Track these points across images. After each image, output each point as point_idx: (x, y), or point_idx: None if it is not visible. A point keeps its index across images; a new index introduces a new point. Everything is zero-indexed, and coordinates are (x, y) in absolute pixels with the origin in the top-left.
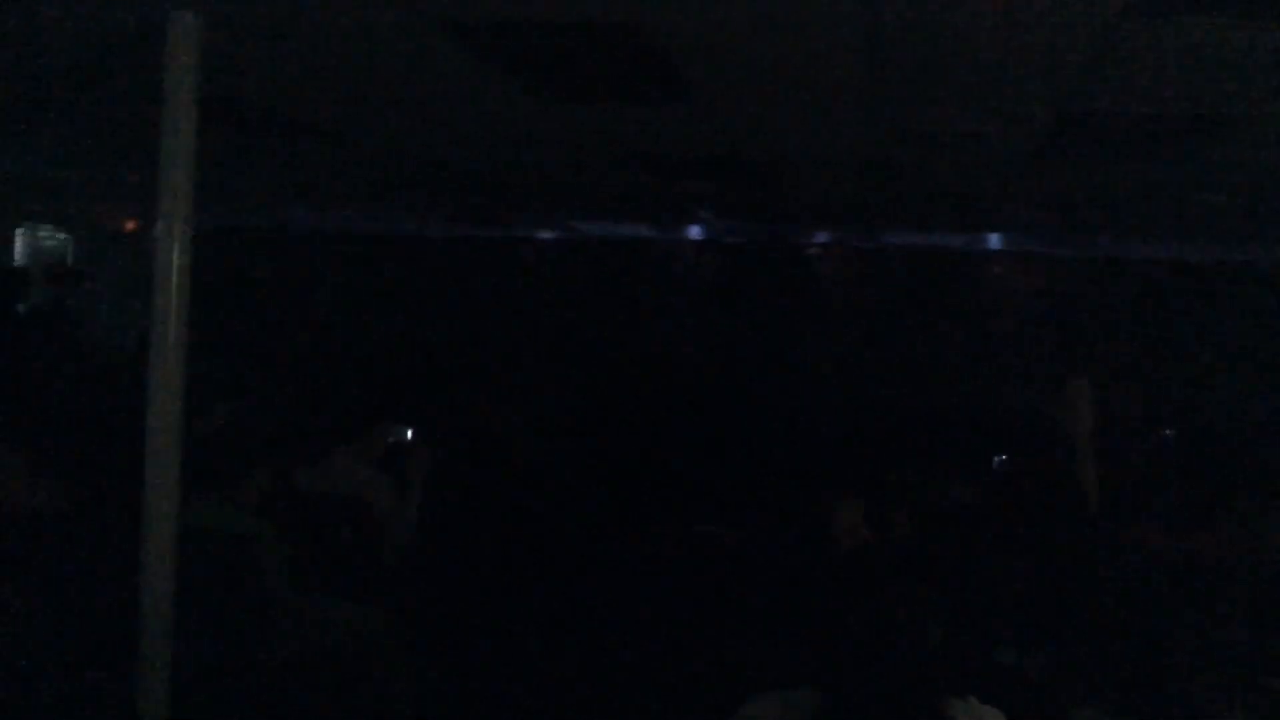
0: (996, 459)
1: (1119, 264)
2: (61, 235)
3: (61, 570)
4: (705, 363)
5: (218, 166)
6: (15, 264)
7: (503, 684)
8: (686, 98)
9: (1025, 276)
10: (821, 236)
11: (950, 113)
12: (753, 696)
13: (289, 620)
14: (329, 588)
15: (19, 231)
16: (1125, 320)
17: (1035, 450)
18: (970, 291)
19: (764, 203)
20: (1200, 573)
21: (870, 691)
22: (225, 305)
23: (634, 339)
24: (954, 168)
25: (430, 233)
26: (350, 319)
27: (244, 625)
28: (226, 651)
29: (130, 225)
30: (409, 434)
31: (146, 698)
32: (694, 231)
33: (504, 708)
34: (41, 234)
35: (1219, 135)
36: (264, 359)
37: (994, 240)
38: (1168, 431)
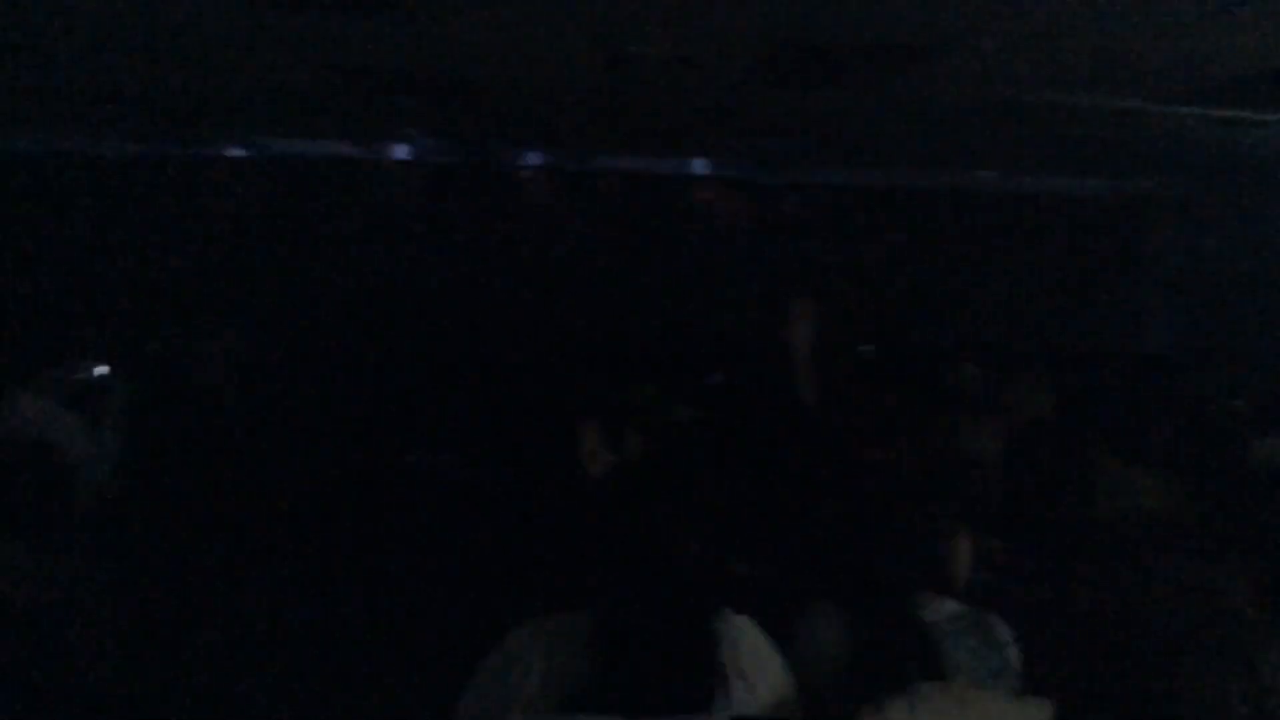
0: (713, 376)
1: (825, 189)
2: None
3: None
4: (414, 287)
5: None
6: None
7: (212, 633)
8: (397, 7)
9: (738, 202)
10: (533, 159)
11: (664, 38)
12: (514, 628)
13: None
14: (13, 536)
15: None
16: (833, 243)
17: (757, 366)
18: (682, 215)
19: (474, 123)
20: (903, 478)
21: (637, 611)
22: None
23: (338, 262)
24: (667, 93)
25: (111, 151)
26: (29, 246)
27: None
28: None
29: None
30: (102, 370)
31: None
32: (399, 151)
33: (213, 658)
34: None
35: (917, 64)
36: None
37: (705, 165)
38: (866, 347)
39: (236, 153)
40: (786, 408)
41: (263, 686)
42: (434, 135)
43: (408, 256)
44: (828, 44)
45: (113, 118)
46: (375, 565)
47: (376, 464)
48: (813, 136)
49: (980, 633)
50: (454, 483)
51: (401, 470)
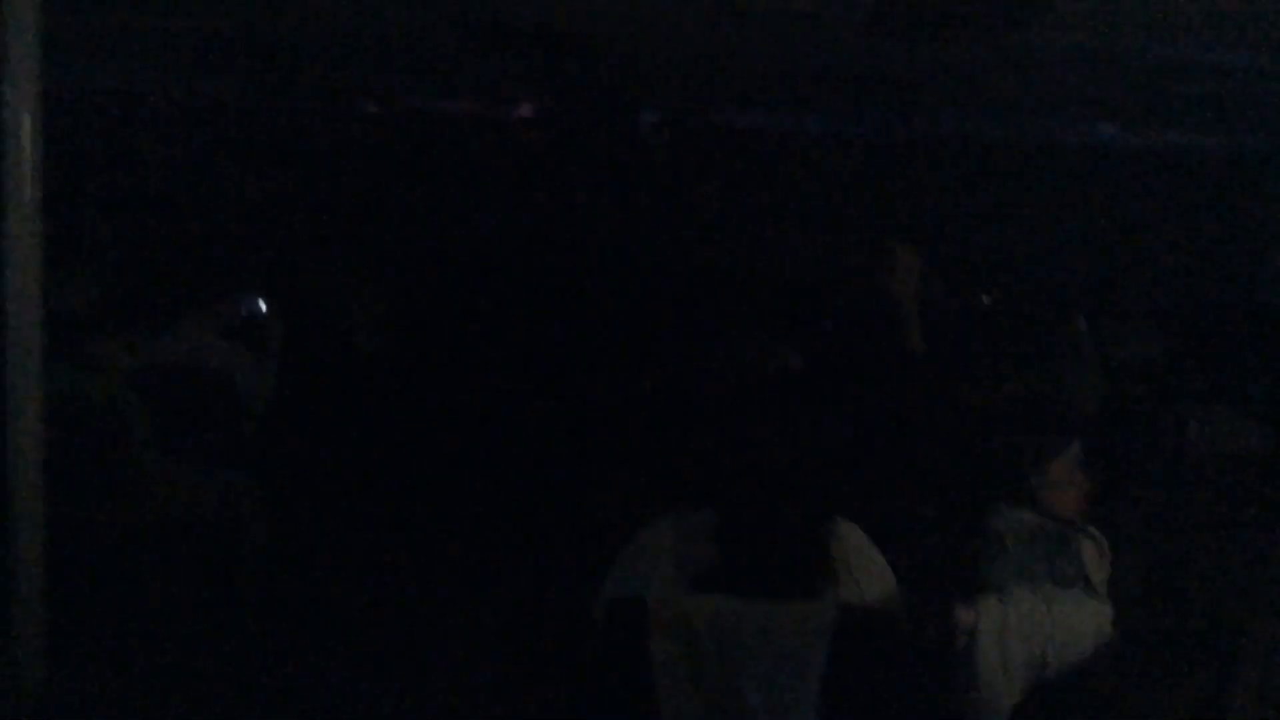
0: (823, 323)
1: (933, 142)
2: None
3: None
4: (543, 237)
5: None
6: None
7: (372, 544)
8: None
9: (848, 155)
10: (651, 115)
11: None
12: (649, 521)
13: (155, 486)
14: (193, 454)
15: None
16: (947, 196)
17: (864, 313)
18: (793, 169)
19: (591, 80)
20: (1010, 418)
21: (760, 510)
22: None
23: (467, 213)
24: (779, 47)
25: (272, 105)
26: (199, 189)
27: (113, 490)
28: (98, 517)
29: None
30: (262, 305)
31: (20, 570)
32: (524, 109)
33: (374, 567)
34: None
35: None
36: (110, 228)
37: (820, 120)
38: (985, 297)
39: (372, 108)
40: (893, 354)
41: (408, 590)
42: (553, 92)
43: (534, 207)
44: None
45: (261, 73)
46: (530, 472)
47: (522, 385)
48: (925, 90)
49: (1060, 544)
50: (601, 401)
51: (553, 392)
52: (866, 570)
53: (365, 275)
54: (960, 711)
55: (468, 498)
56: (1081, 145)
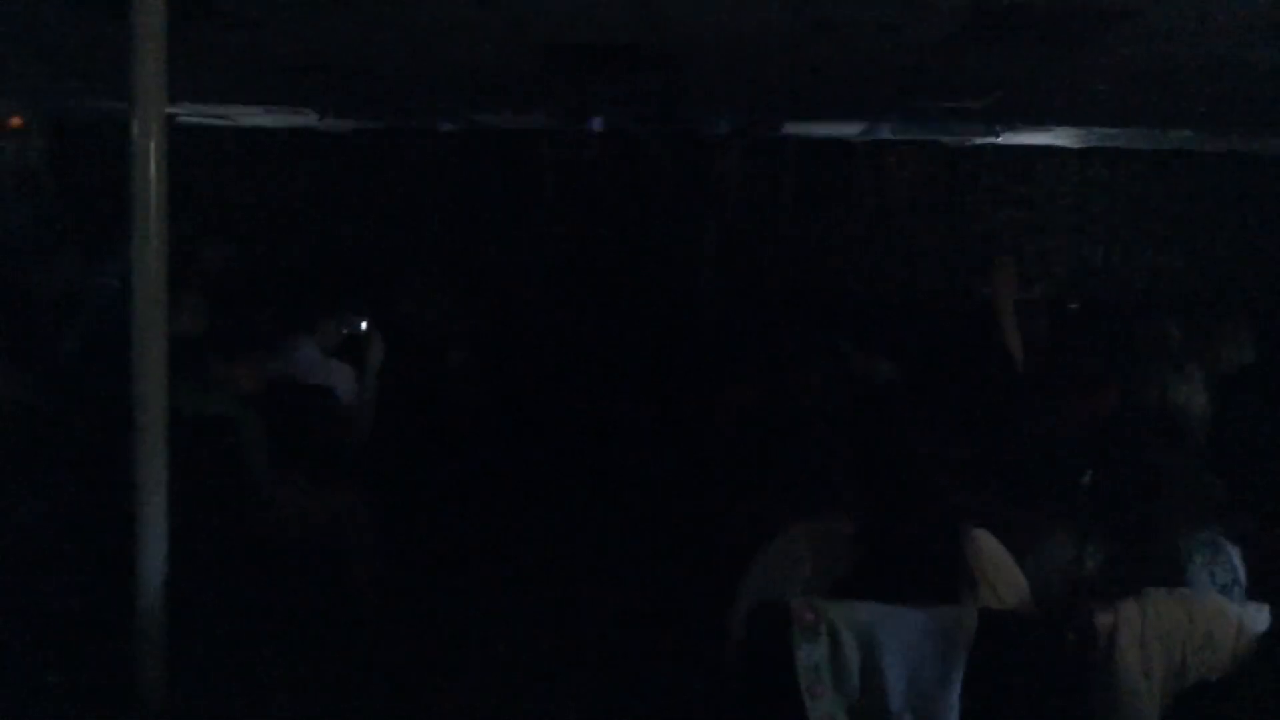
0: (921, 334)
1: (1019, 151)
2: None
3: (55, 464)
4: (622, 252)
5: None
6: None
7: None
8: None
9: (938, 164)
10: (726, 126)
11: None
12: (784, 528)
13: (271, 500)
14: (303, 470)
15: None
16: (1035, 204)
17: (963, 322)
18: (881, 179)
19: (672, 93)
20: (1110, 427)
21: (898, 518)
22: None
23: (545, 231)
24: (865, 58)
25: (329, 126)
26: (286, 214)
27: (232, 505)
28: (217, 531)
29: (15, 122)
30: (363, 324)
31: (145, 579)
32: (596, 123)
33: (481, 578)
34: None
35: (1124, 25)
36: (227, 255)
37: (899, 129)
38: (1072, 305)
39: (447, 126)
40: (992, 361)
41: (515, 601)
42: (632, 106)
43: (610, 222)
44: (1028, 3)
45: (348, 96)
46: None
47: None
48: (1009, 98)
49: (1211, 552)
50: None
51: (659, 402)
52: (1002, 576)
53: (454, 293)
54: (1101, 717)
55: (579, 509)
56: (1163, 150)
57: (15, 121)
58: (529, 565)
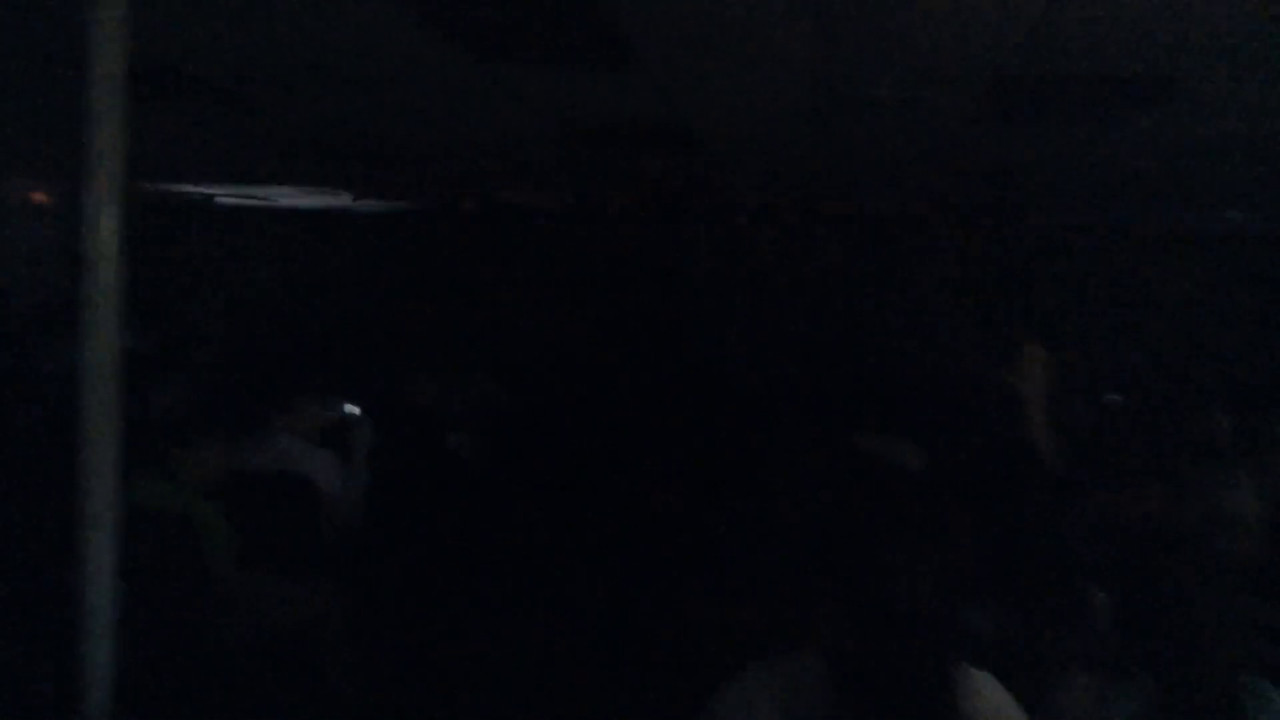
0: (944, 427)
1: (1056, 231)
2: None
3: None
4: (640, 335)
5: (140, 135)
6: None
7: (458, 661)
8: (629, 63)
9: (966, 244)
10: (756, 205)
11: (887, 77)
12: (751, 665)
13: (233, 599)
14: (274, 566)
15: None
16: (1066, 288)
17: (989, 415)
18: (909, 260)
19: (703, 173)
20: (1156, 534)
21: (874, 657)
22: (156, 281)
23: (564, 313)
24: (890, 134)
25: (361, 207)
26: (279, 293)
27: (188, 605)
28: (171, 632)
29: (39, 198)
30: (351, 410)
31: (90, 680)
32: (619, 199)
33: (455, 682)
34: None
35: (1156, 98)
36: (198, 335)
37: (932, 208)
38: (1114, 396)
39: (469, 205)
40: (1021, 459)
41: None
42: (653, 182)
43: (634, 299)
44: (1056, 76)
45: (360, 175)
46: (612, 600)
47: (612, 504)
48: (1038, 175)
49: (1262, 701)
50: (688, 522)
51: (640, 509)
52: None
53: (462, 374)
54: None
55: (563, 617)
56: (1210, 233)
57: (38, 198)
58: (510, 672)
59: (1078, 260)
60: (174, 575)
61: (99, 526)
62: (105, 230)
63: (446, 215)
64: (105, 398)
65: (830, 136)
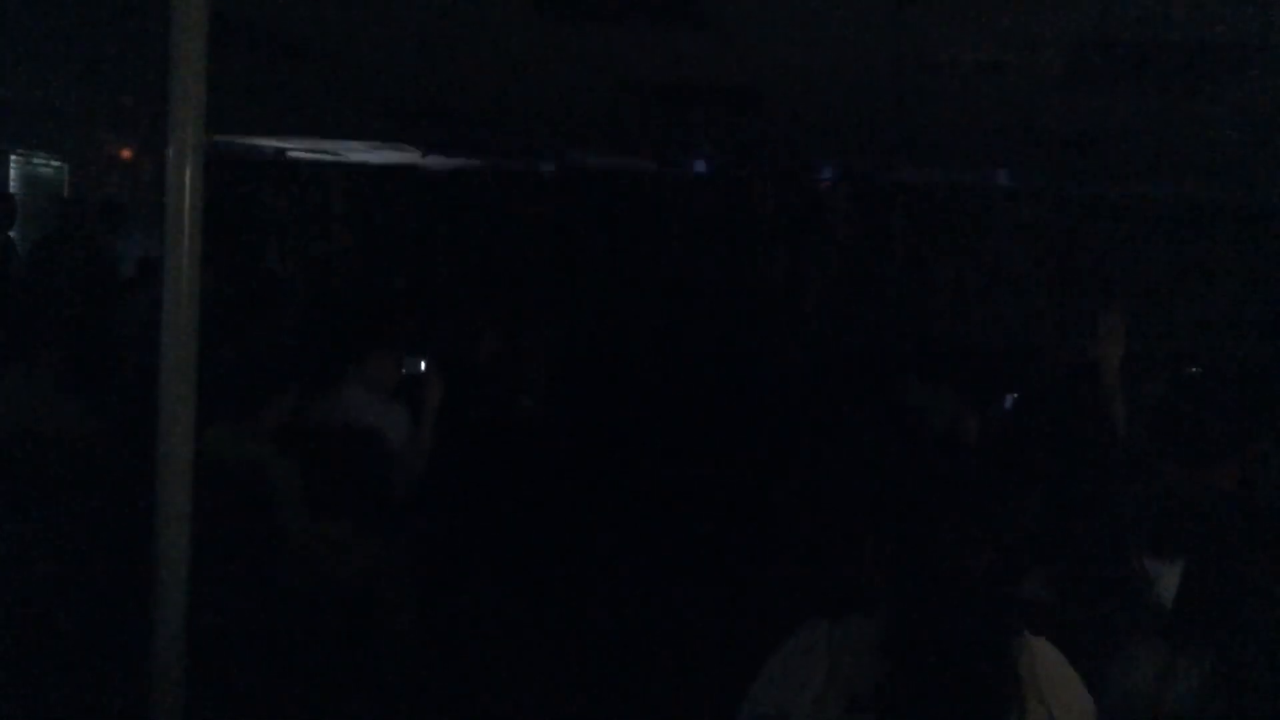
0: (1010, 395)
1: (1136, 200)
2: (56, 163)
3: (81, 495)
4: (713, 299)
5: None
6: (8, 191)
7: (514, 613)
8: (699, 23)
9: (1044, 212)
10: (830, 171)
11: (968, 42)
12: (799, 627)
13: (302, 549)
14: (343, 517)
15: (12, 158)
16: (1145, 257)
17: (1062, 384)
18: (985, 228)
19: (774, 137)
20: (1222, 507)
21: (932, 620)
22: (234, 234)
23: (639, 274)
24: (969, 100)
25: (431, 163)
26: (356, 249)
27: (257, 553)
28: (241, 580)
29: (126, 153)
30: (421, 364)
31: (162, 626)
32: (698, 165)
33: (514, 636)
34: (36, 161)
35: (1238, 66)
36: (273, 290)
37: (1008, 175)
38: (1194, 369)
39: (545, 166)
40: (1093, 427)
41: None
42: (730, 149)
43: (706, 266)
44: (1141, 42)
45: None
46: (676, 557)
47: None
48: (1120, 145)
49: None
50: (751, 482)
51: (705, 468)
52: (1061, 698)
53: (532, 334)
54: None
55: (623, 573)
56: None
57: (125, 153)
58: (570, 627)
59: (1159, 231)
60: (244, 523)
61: (175, 475)
62: (188, 182)
63: (516, 174)
64: (184, 350)
65: (908, 103)
